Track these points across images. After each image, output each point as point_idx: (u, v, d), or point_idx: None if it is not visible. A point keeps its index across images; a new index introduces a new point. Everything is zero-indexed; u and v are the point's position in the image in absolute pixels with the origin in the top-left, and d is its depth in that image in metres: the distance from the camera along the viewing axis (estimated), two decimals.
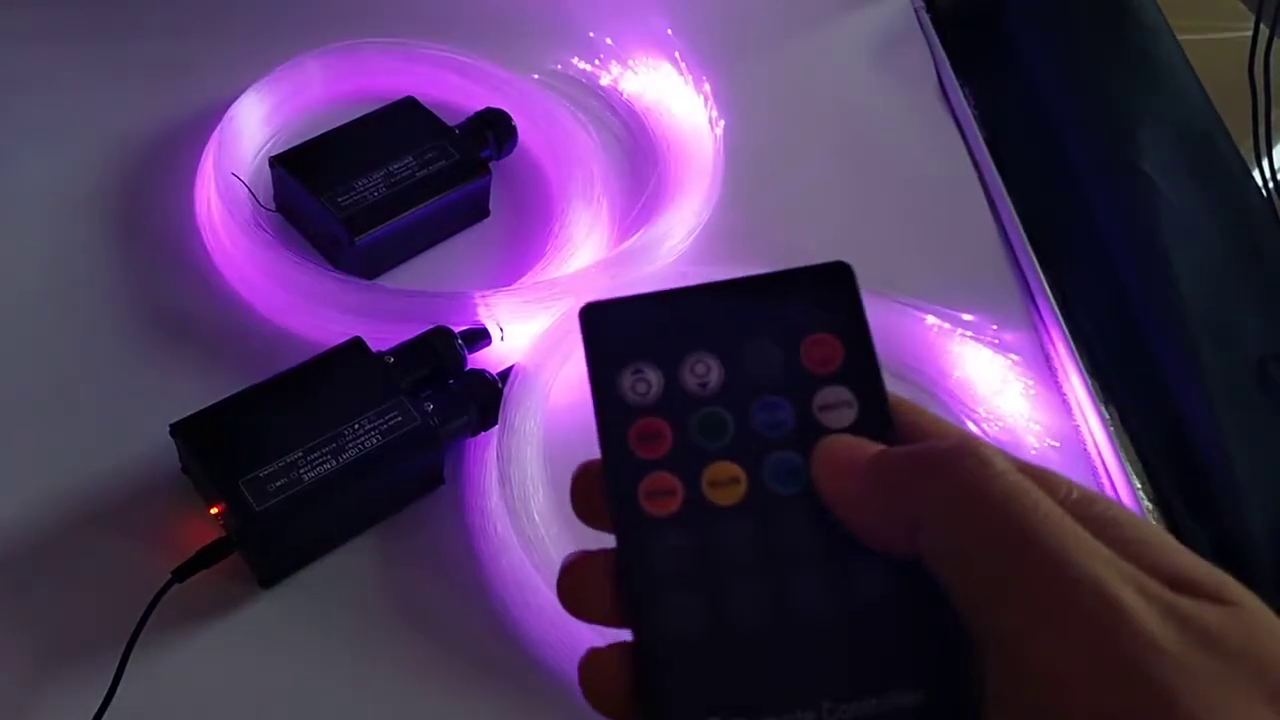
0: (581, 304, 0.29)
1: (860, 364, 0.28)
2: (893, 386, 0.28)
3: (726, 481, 0.27)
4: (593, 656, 0.27)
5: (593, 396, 0.28)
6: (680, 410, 0.28)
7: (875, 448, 0.27)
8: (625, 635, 0.27)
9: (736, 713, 0.26)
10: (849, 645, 0.26)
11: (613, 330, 0.28)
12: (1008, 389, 0.59)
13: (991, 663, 0.24)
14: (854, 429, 0.28)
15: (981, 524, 0.24)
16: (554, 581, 0.46)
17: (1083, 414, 0.60)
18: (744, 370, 0.28)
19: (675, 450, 0.28)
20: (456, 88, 0.67)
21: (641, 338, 0.28)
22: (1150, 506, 0.58)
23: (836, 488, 0.27)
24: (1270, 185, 0.72)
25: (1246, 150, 0.72)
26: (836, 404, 0.28)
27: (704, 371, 0.28)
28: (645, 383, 0.28)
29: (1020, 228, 0.68)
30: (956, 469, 0.25)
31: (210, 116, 0.63)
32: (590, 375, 0.28)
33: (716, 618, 0.26)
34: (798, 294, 0.29)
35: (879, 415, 0.28)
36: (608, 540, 0.28)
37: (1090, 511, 0.25)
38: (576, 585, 0.28)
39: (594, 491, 0.28)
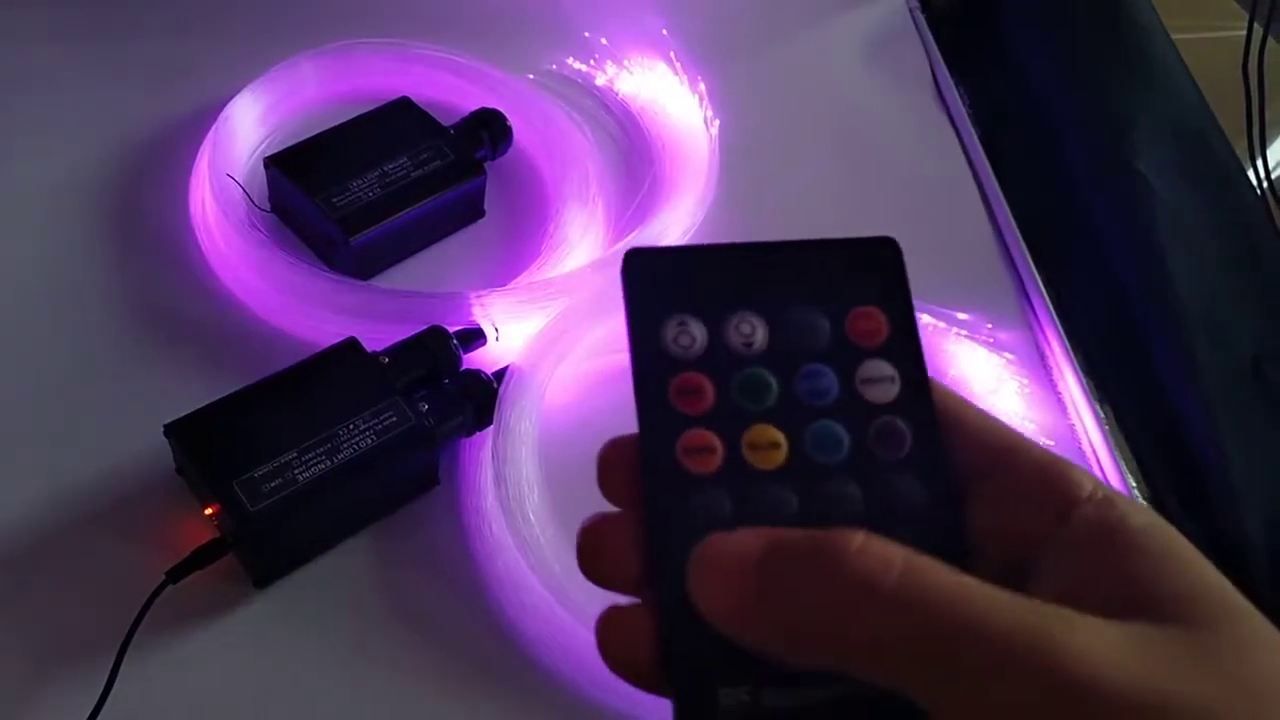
0: (626, 251, 0.28)
1: (903, 341, 0.28)
2: None
3: (767, 445, 0.26)
4: (614, 614, 0.26)
5: (631, 347, 0.27)
6: (723, 368, 0.27)
7: (756, 554, 0.24)
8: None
9: (768, 679, 0.25)
10: None
11: (657, 280, 0.28)
12: (1003, 388, 0.59)
13: None
14: (894, 406, 0.27)
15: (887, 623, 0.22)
16: (550, 581, 0.47)
17: (1078, 413, 0.60)
18: (789, 334, 0.27)
19: (716, 408, 0.27)
20: (451, 88, 0.67)
21: (687, 290, 0.27)
22: (1145, 506, 0.58)
23: (719, 600, 0.24)
24: (1264, 184, 0.72)
25: (1241, 149, 0.72)
26: (879, 379, 0.27)
27: (749, 331, 0.27)
28: (689, 336, 0.27)
29: (1015, 226, 0.68)
30: (844, 582, 0.23)
31: (208, 116, 0.63)
32: (630, 324, 0.27)
33: None
34: (845, 263, 0.28)
35: (919, 394, 0.27)
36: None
37: (1110, 514, 0.25)
38: (596, 547, 0.27)
39: (623, 465, 0.26)
